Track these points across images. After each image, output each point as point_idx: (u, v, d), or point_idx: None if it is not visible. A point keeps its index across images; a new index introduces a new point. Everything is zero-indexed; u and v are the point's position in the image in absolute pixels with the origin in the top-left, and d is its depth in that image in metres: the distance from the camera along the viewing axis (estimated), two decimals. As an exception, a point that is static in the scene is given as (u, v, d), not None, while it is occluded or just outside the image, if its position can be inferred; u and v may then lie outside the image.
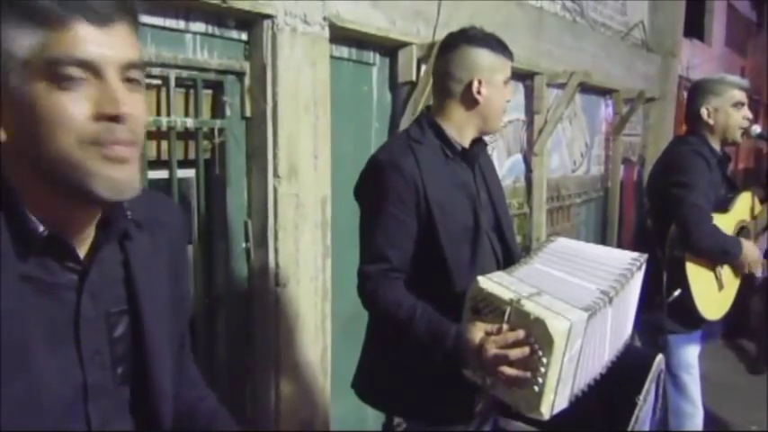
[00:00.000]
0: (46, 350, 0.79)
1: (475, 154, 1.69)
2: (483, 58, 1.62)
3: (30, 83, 0.74)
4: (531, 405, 1.36)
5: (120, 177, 0.77)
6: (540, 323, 1.30)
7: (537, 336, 1.31)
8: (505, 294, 1.37)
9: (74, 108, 0.74)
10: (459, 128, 1.66)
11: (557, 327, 1.29)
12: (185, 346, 1.10)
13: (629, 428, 1.65)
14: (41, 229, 0.78)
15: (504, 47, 1.66)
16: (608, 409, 1.66)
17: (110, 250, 0.87)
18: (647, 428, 1.77)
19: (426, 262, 1.56)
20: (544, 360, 1.31)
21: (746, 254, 2.39)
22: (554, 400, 1.34)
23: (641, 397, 1.70)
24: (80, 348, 0.83)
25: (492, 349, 1.34)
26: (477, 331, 1.39)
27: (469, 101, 1.63)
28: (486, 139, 1.77)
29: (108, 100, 0.75)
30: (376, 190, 1.57)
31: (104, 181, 0.76)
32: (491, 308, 1.39)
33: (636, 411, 1.67)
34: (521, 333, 1.33)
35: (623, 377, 1.66)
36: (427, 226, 1.56)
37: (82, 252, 0.84)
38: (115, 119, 0.75)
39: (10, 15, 0.73)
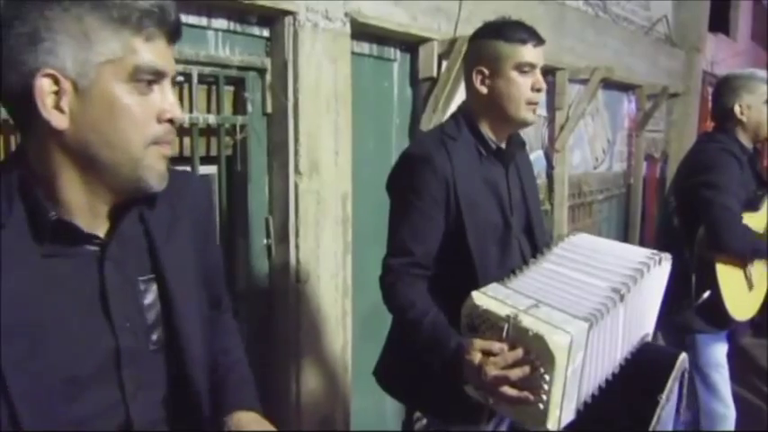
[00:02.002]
0: (77, 318, 0.85)
1: (510, 153, 1.66)
2: (487, 48, 1.58)
3: (110, 82, 0.82)
4: (537, 421, 1.31)
5: (164, 170, 0.89)
6: (539, 339, 1.25)
7: (537, 352, 1.26)
8: (502, 310, 1.32)
9: (146, 112, 0.85)
10: (487, 124, 1.63)
11: (557, 342, 1.24)
12: (221, 306, 1.17)
13: (651, 428, 1.63)
14: (51, 213, 0.83)
15: (518, 32, 1.57)
16: (630, 408, 1.64)
17: (129, 222, 0.92)
18: (669, 428, 1.74)
19: (453, 260, 1.54)
20: (546, 377, 1.26)
21: None
22: (560, 414, 1.31)
23: (663, 396, 1.67)
24: (110, 315, 0.88)
25: (492, 371, 1.30)
26: (476, 351, 1.33)
27: (476, 94, 1.61)
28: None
29: (170, 106, 0.87)
30: (406, 184, 1.56)
31: (156, 174, 0.88)
32: (488, 324, 1.34)
33: (658, 410, 1.65)
34: (520, 352, 1.28)
35: (646, 376, 1.63)
36: (456, 223, 1.54)
37: (100, 225, 0.90)
38: (172, 122, 0.88)
39: (100, 12, 0.80)
